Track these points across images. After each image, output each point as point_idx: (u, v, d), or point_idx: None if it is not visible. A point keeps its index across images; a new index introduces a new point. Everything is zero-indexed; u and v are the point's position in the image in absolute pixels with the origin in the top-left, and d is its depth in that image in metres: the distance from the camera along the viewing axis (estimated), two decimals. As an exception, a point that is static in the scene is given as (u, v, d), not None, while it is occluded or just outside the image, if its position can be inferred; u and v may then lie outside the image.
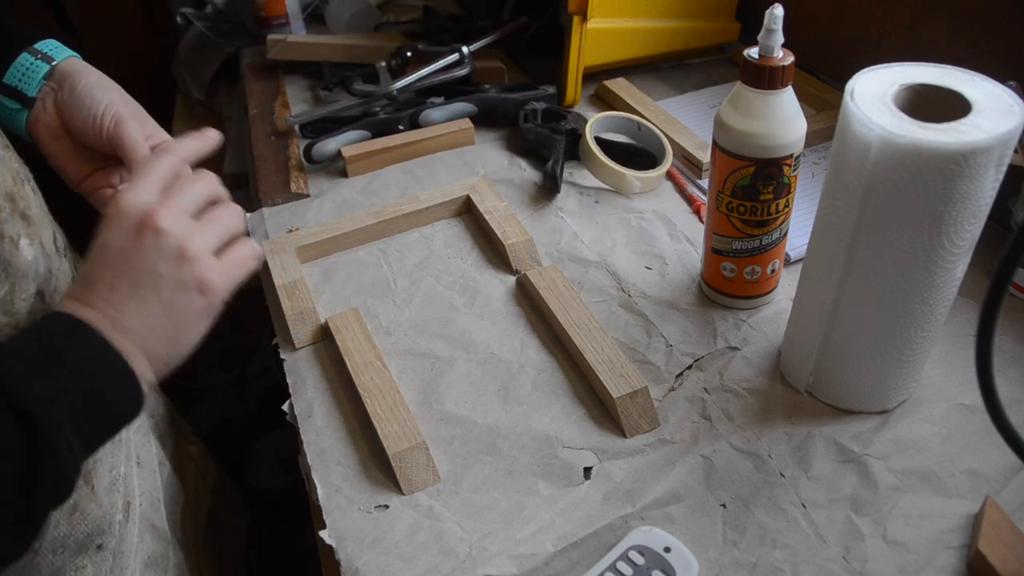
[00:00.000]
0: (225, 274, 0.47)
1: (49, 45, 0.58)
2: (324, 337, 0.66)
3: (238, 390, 1.49)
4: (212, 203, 0.49)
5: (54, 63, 0.57)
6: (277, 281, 0.69)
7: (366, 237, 0.75)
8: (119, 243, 0.44)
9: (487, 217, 0.74)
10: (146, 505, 0.63)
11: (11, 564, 0.40)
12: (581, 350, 0.60)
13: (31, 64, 0.56)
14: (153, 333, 0.44)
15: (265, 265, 0.71)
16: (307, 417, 0.60)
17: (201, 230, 0.46)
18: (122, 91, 0.58)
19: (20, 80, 0.56)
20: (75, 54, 0.59)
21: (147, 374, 0.44)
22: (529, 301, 0.68)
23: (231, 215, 0.49)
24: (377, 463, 0.56)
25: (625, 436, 0.56)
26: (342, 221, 0.75)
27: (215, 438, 1.39)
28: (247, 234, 0.51)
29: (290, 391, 0.63)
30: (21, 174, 0.49)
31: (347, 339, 0.63)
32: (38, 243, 0.48)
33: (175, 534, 0.67)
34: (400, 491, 0.54)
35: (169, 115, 1.42)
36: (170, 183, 0.48)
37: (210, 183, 0.49)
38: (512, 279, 0.71)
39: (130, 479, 0.60)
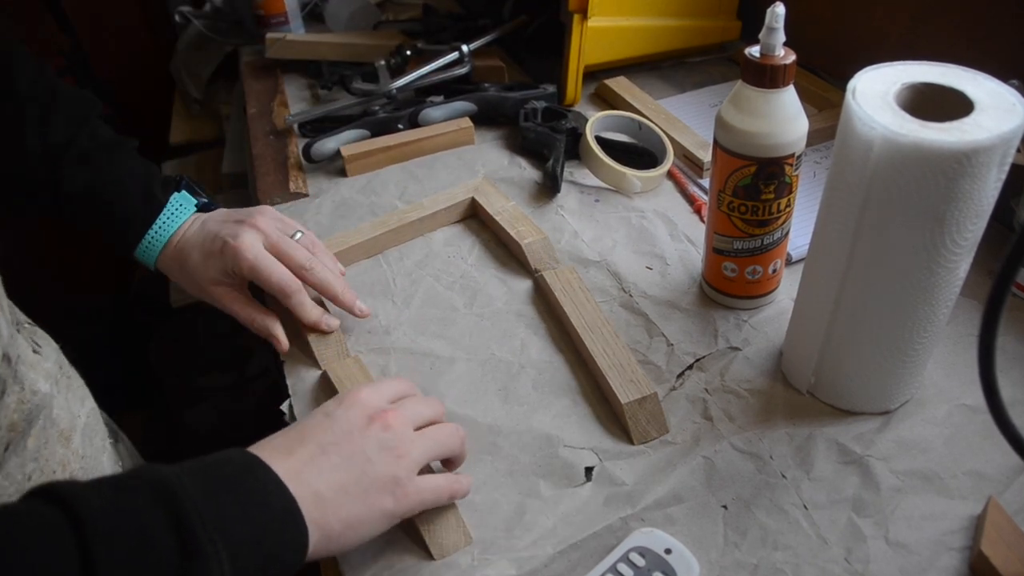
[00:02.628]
0: (419, 495, 0.48)
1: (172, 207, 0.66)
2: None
3: (237, 390, 1.48)
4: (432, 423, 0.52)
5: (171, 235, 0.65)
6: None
7: (374, 249, 0.74)
8: (347, 422, 0.47)
9: (498, 219, 0.74)
10: None
11: None
12: (592, 353, 0.60)
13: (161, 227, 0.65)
14: (337, 508, 0.44)
15: None
16: (306, 418, 0.60)
17: (421, 442, 0.49)
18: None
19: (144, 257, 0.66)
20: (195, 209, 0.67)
21: (314, 541, 0.43)
22: (544, 301, 0.68)
23: (449, 436, 0.51)
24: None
25: (632, 443, 0.56)
26: (347, 234, 0.74)
27: (214, 438, 1.39)
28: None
29: (289, 392, 0.62)
30: None
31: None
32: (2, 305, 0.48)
33: None
34: (430, 556, 0.50)
35: (167, 114, 1.42)
36: (399, 399, 0.52)
37: (435, 405, 0.53)
38: (520, 278, 0.71)
39: None
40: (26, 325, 0.54)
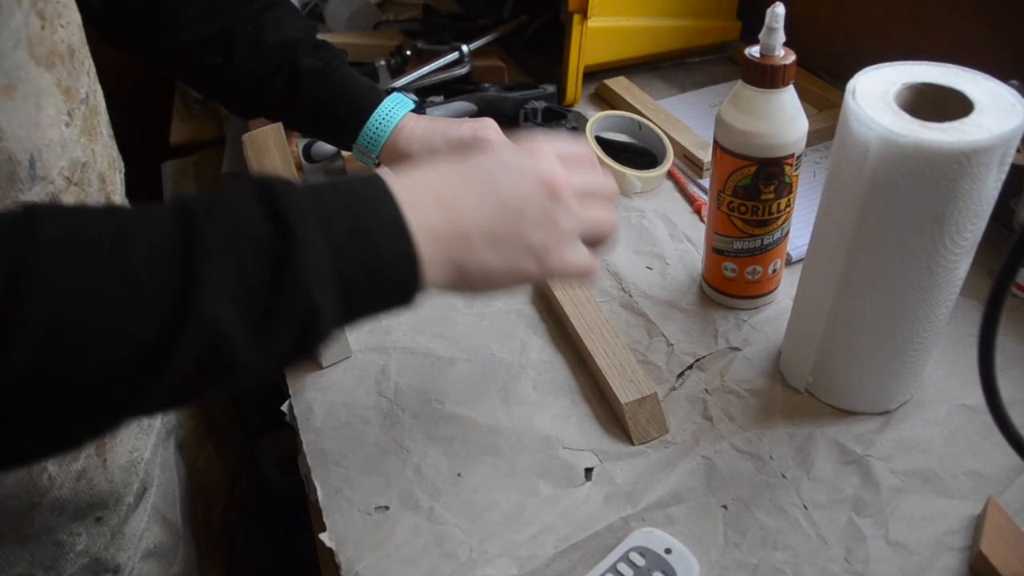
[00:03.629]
0: (562, 268, 0.44)
1: (383, 111, 0.67)
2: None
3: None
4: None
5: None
6: None
7: None
8: (519, 174, 0.42)
9: None
10: (159, 498, 0.63)
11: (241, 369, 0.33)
12: (592, 354, 0.60)
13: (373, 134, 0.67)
14: (479, 253, 0.41)
15: None
16: (306, 418, 0.60)
17: (582, 220, 0.44)
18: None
19: (368, 145, 0.67)
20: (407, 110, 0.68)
21: (444, 276, 0.39)
22: (544, 302, 0.68)
23: (608, 224, 0.47)
24: (376, 463, 0.56)
25: (632, 443, 0.56)
26: None
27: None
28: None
29: (289, 391, 0.62)
30: (116, 164, 0.50)
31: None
32: None
33: (188, 531, 0.67)
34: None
35: (168, 114, 1.42)
36: (578, 162, 0.46)
37: (609, 186, 0.48)
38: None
39: (152, 467, 0.61)
40: None
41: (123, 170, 0.53)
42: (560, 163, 0.44)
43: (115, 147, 0.52)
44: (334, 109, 0.67)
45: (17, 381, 0.28)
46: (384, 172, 0.41)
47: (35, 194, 0.42)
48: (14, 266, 0.29)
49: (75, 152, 0.46)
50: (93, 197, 0.46)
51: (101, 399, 0.31)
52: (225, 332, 0.31)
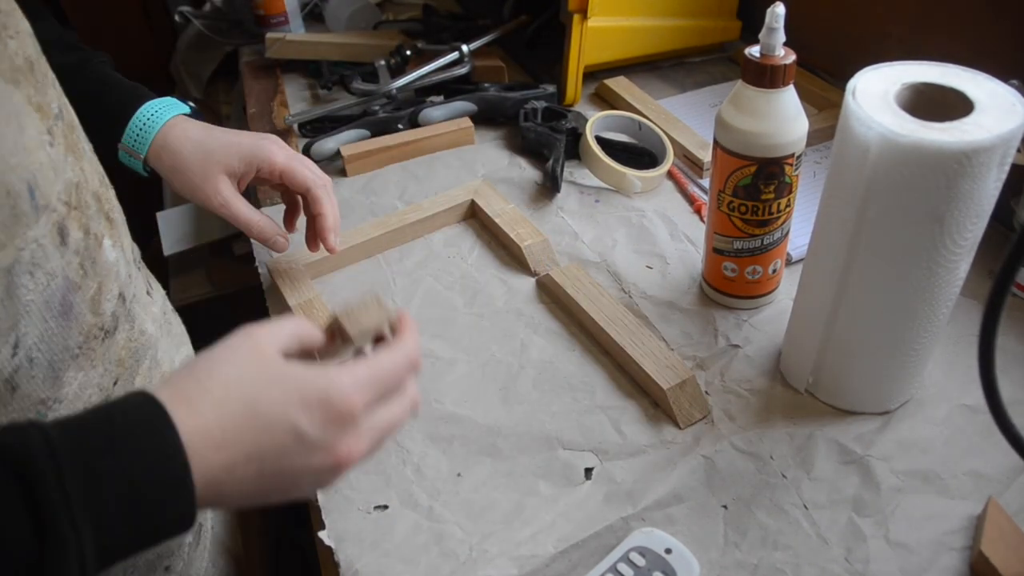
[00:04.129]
0: (346, 472, 0.39)
1: (150, 110, 0.63)
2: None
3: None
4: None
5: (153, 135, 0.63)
6: (291, 301, 0.67)
7: (374, 249, 0.74)
8: (309, 452, 0.37)
9: (497, 220, 0.74)
10: (219, 528, 0.62)
11: None
12: (621, 345, 0.60)
13: (139, 132, 0.63)
14: (239, 500, 0.37)
15: (271, 279, 0.70)
16: (306, 418, 0.60)
17: (366, 454, 0.39)
18: (214, 147, 0.64)
19: (134, 143, 0.63)
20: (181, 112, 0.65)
21: (208, 498, 0.35)
22: (552, 299, 0.68)
23: (402, 415, 0.41)
24: (376, 463, 0.56)
25: (679, 427, 0.56)
26: (347, 234, 0.74)
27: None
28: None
29: (289, 391, 0.62)
30: (105, 180, 0.49)
31: None
32: (119, 246, 0.48)
33: (244, 552, 0.67)
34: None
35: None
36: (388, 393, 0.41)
37: (410, 409, 0.42)
38: (520, 279, 0.71)
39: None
40: (144, 265, 0.55)
41: (111, 186, 0.50)
42: (366, 415, 0.38)
43: (98, 162, 0.49)
44: (95, 104, 0.62)
45: None
46: (169, 399, 0.35)
47: (42, 226, 0.40)
48: None
49: (67, 173, 0.43)
50: (92, 219, 0.45)
51: None
52: None
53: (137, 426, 0.33)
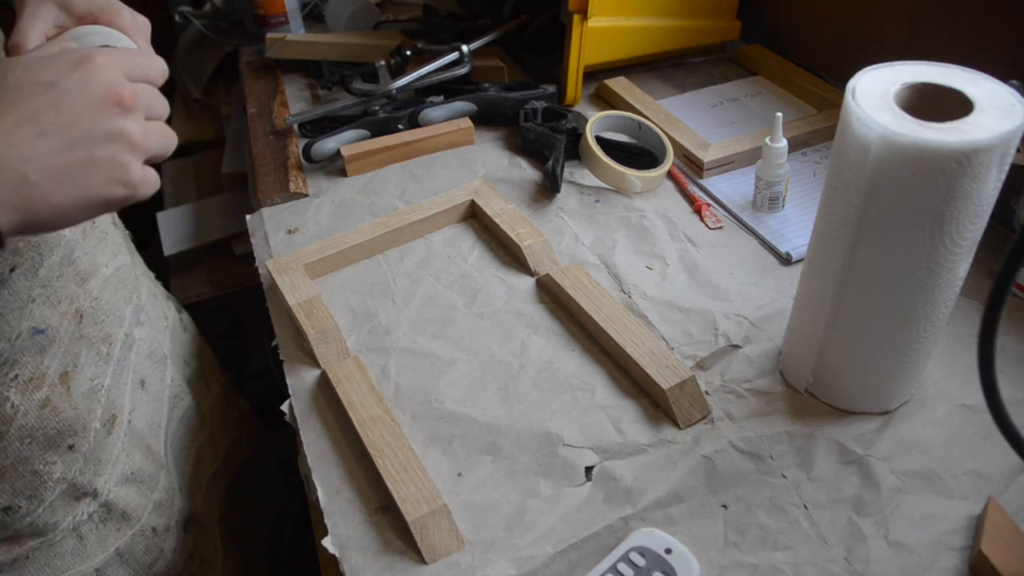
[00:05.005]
0: (147, 183, 0.43)
1: None
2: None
3: (236, 390, 1.48)
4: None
5: None
6: (291, 301, 0.67)
7: (374, 249, 0.74)
8: (79, 97, 0.39)
9: (497, 220, 0.74)
10: (140, 424, 0.65)
11: None
12: (621, 344, 0.60)
13: None
14: (50, 194, 0.38)
15: (271, 279, 0.70)
16: (307, 418, 0.60)
17: (156, 137, 0.43)
18: None
19: None
20: None
21: (10, 224, 0.37)
22: (552, 299, 0.68)
23: (171, 138, 0.46)
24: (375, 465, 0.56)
25: (679, 427, 0.56)
26: (347, 234, 0.74)
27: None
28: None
29: (289, 391, 0.62)
30: None
31: (350, 391, 0.59)
32: None
33: (176, 464, 0.69)
34: (422, 559, 0.50)
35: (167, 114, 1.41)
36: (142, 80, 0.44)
37: (161, 71, 0.47)
38: (520, 279, 0.71)
39: (117, 394, 0.62)
40: None
41: None
42: (123, 75, 0.42)
43: None
44: None
45: None
46: None
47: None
48: None
49: None
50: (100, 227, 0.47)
51: None
52: None
53: None
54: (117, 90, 0.41)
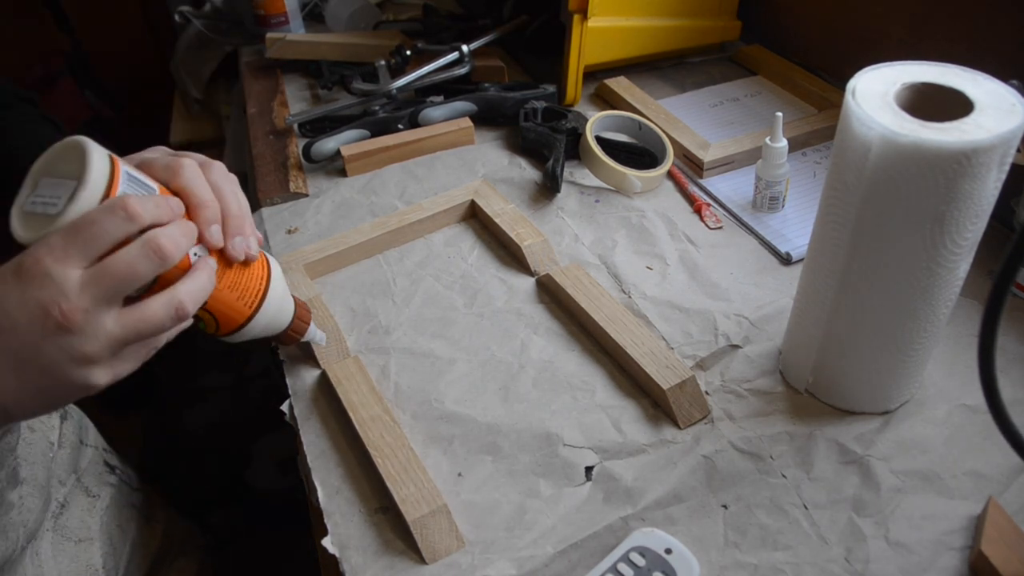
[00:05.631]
0: (121, 373, 0.41)
1: None
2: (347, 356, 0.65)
3: (236, 390, 1.48)
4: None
5: None
6: None
7: (374, 249, 0.75)
8: (16, 310, 0.37)
9: (497, 220, 0.74)
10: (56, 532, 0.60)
11: None
12: (621, 344, 0.60)
13: None
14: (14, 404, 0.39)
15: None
16: (307, 418, 0.60)
17: (113, 328, 0.39)
18: None
19: None
20: None
21: None
22: (552, 299, 0.68)
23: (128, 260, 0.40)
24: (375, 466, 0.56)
25: (679, 427, 0.56)
26: (347, 234, 0.74)
27: (213, 439, 1.39)
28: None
29: (289, 392, 0.62)
30: None
31: (350, 391, 0.59)
32: None
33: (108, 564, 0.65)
34: (422, 559, 0.50)
35: (167, 114, 1.42)
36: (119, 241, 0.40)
37: (175, 239, 0.41)
38: (520, 279, 0.71)
39: (26, 512, 0.57)
40: None
41: None
42: (80, 263, 0.38)
43: None
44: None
45: None
46: None
47: None
48: None
49: None
50: None
51: None
52: None
53: None
54: (56, 308, 0.37)
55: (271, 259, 0.55)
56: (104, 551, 0.65)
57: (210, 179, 0.47)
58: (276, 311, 0.55)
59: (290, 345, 0.60)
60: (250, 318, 0.52)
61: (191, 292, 0.42)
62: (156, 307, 0.41)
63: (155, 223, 0.41)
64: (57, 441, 0.64)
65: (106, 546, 0.66)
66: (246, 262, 0.50)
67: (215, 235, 0.45)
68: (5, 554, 0.53)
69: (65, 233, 0.38)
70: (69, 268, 0.38)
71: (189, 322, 0.44)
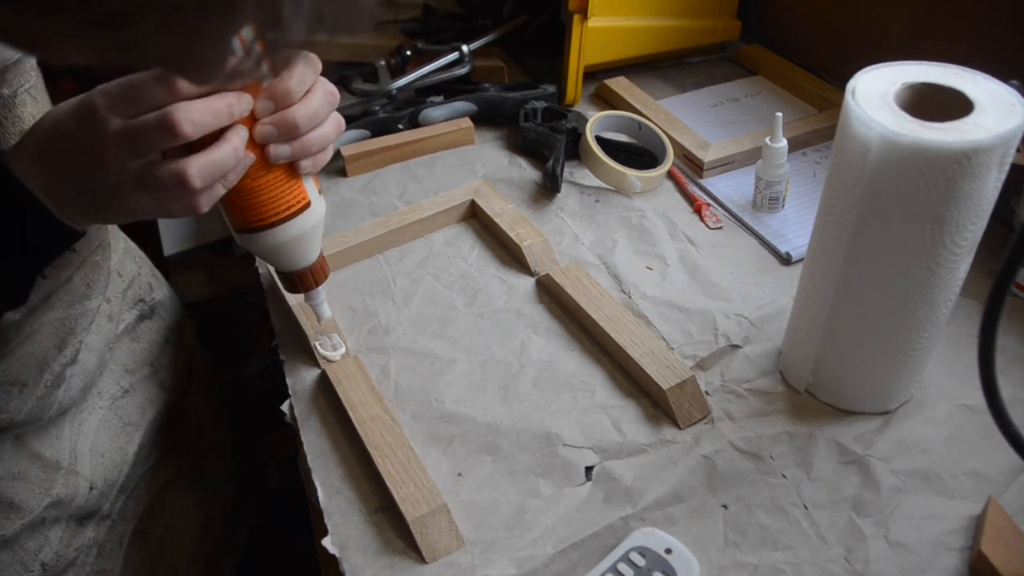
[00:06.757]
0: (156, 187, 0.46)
1: None
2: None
3: (236, 390, 1.48)
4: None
5: None
6: (291, 301, 0.67)
7: (374, 249, 0.75)
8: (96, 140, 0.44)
9: (497, 220, 0.74)
10: (31, 436, 0.63)
11: None
12: (621, 344, 0.60)
13: None
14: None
15: (271, 278, 0.70)
16: (307, 418, 0.60)
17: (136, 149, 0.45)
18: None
19: None
20: None
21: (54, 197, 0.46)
22: (551, 299, 0.68)
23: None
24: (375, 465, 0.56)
25: (679, 427, 0.57)
26: (347, 234, 0.74)
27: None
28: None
29: (289, 392, 0.62)
30: None
31: (350, 391, 0.59)
32: None
33: (92, 466, 0.67)
34: (422, 559, 0.50)
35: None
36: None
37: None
38: (520, 279, 0.71)
39: (73, 390, 0.63)
40: None
41: None
42: (114, 99, 0.44)
43: None
44: None
45: None
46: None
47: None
48: None
49: None
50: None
51: None
52: None
53: None
54: (96, 146, 0.44)
55: (319, 202, 0.54)
56: (141, 441, 0.72)
57: (312, 95, 0.50)
58: (291, 243, 0.53)
59: (293, 293, 0.58)
60: (258, 229, 0.51)
61: (203, 167, 0.45)
62: (164, 170, 0.45)
63: (192, 97, 0.44)
64: (128, 334, 0.71)
65: (146, 437, 0.73)
66: (287, 177, 0.51)
67: (260, 130, 0.48)
68: (36, 413, 0.60)
69: (120, 85, 0.45)
70: (112, 116, 0.44)
71: (221, 191, 0.48)
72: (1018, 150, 0.45)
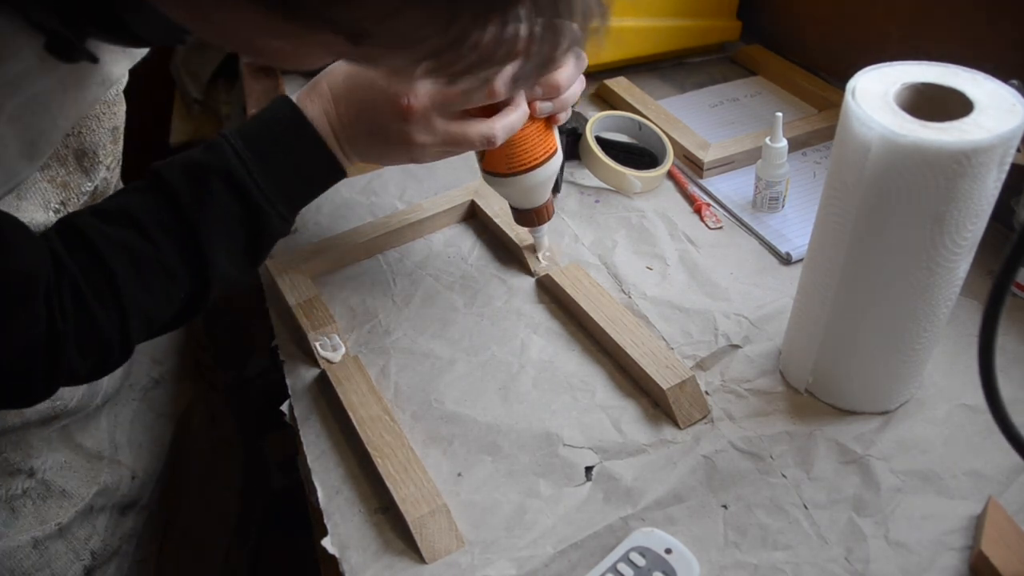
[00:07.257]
0: (429, 154, 0.57)
1: None
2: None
3: (237, 390, 1.48)
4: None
5: None
6: (291, 301, 0.67)
7: (374, 249, 0.75)
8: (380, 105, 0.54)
9: (497, 220, 0.74)
10: (75, 426, 0.65)
11: (239, 283, 0.56)
12: (621, 344, 0.60)
13: None
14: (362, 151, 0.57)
15: (271, 278, 0.70)
16: (307, 418, 0.60)
17: (440, 128, 0.55)
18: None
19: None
20: None
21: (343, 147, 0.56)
22: (551, 299, 0.68)
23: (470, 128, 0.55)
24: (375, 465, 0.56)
25: (679, 427, 0.57)
26: (347, 234, 0.74)
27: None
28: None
29: (289, 392, 0.62)
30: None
31: (350, 391, 0.59)
32: None
33: (133, 455, 0.70)
34: (422, 559, 0.50)
35: (167, 114, 1.42)
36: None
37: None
38: (520, 279, 0.71)
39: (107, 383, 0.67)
40: None
41: None
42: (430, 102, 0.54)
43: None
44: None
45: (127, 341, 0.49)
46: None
47: None
48: (96, 275, 0.47)
49: None
50: None
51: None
52: (232, 277, 0.53)
53: (287, 127, 0.55)
54: (405, 100, 0.53)
55: (560, 153, 0.64)
56: (175, 431, 0.76)
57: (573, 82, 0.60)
58: (544, 183, 0.64)
59: (528, 226, 0.68)
60: (519, 172, 0.62)
61: (505, 127, 0.56)
62: (475, 131, 0.55)
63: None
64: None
65: (178, 427, 0.76)
66: (545, 128, 0.62)
67: (538, 105, 0.59)
68: (85, 402, 0.63)
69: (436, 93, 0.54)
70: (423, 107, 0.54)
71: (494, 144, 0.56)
72: (1018, 150, 0.45)
